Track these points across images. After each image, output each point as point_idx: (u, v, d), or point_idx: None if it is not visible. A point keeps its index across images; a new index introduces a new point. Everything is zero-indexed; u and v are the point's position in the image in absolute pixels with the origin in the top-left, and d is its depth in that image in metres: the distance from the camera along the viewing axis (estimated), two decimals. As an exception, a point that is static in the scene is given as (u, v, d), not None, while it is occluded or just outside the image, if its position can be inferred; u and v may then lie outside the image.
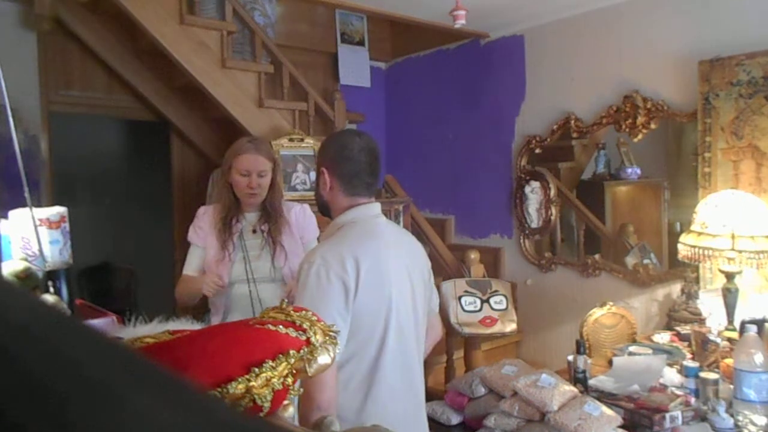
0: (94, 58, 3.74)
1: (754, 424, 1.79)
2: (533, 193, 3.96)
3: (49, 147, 3.52)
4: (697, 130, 2.98)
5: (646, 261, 3.48)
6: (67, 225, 1.19)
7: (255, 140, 2.19)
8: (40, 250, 1.12)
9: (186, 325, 1.03)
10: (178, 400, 0.27)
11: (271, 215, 2.14)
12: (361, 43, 4.70)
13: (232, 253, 2.09)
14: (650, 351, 2.41)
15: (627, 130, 3.43)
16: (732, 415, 1.83)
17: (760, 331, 1.98)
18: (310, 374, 0.79)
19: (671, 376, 2.16)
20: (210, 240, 2.13)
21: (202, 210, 2.22)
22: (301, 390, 1.42)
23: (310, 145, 3.36)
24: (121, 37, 3.62)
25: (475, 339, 3.28)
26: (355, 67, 4.67)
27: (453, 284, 3.23)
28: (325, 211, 1.68)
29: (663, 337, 2.63)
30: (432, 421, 1.92)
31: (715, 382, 1.94)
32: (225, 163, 2.14)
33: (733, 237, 2.35)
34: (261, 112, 3.40)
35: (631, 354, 2.38)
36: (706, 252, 2.40)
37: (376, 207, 1.63)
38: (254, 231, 2.15)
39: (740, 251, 2.32)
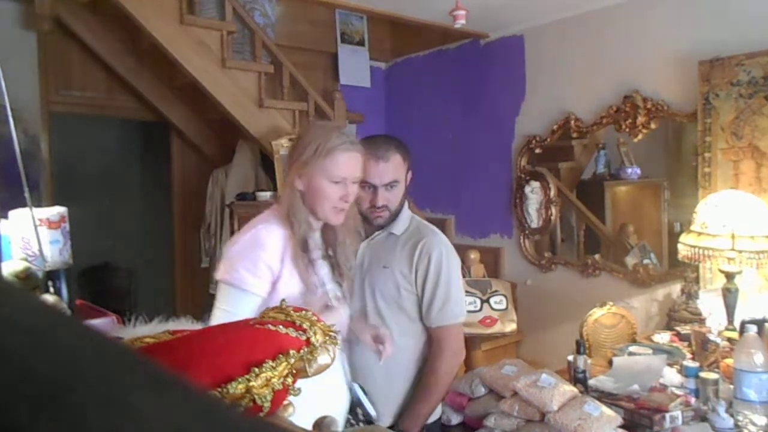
0: (94, 58, 3.74)
1: (754, 424, 1.79)
2: (533, 193, 3.95)
3: (49, 147, 3.52)
4: (697, 130, 2.98)
5: (646, 261, 3.48)
6: (67, 225, 1.19)
7: (340, 127, 1.53)
8: (40, 250, 1.12)
9: (186, 325, 1.03)
10: (178, 400, 0.27)
11: (337, 233, 1.58)
12: (361, 43, 4.69)
13: (327, 298, 1.49)
14: (650, 351, 2.41)
15: (627, 130, 3.43)
16: (732, 415, 1.83)
17: (760, 331, 1.97)
18: (310, 374, 0.79)
19: (671, 376, 2.16)
20: (286, 280, 1.42)
21: (266, 230, 1.43)
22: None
23: (310, 145, 3.36)
24: (121, 37, 3.62)
25: (475, 339, 3.28)
26: (355, 67, 4.66)
27: (453, 284, 3.23)
28: (392, 218, 1.82)
29: (663, 337, 2.63)
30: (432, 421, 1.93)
31: (715, 382, 1.94)
32: (302, 163, 1.47)
33: (733, 237, 2.34)
34: (261, 112, 3.40)
35: (631, 354, 2.38)
36: (706, 252, 2.39)
37: None
38: (323, 257, 1.57)
39: (740, 251, 2.32)
